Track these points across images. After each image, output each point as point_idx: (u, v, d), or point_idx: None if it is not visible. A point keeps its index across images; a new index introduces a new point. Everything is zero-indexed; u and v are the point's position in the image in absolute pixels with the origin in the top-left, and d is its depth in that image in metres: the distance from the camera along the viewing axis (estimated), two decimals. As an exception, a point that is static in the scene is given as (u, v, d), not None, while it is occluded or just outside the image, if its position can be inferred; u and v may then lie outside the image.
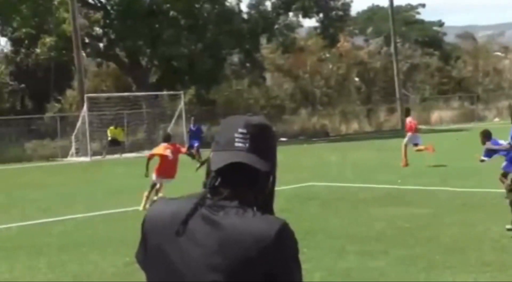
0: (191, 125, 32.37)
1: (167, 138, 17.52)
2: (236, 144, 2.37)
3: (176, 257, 2.38)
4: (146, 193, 16.44)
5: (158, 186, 16.66)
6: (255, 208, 2.38)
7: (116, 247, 11.91)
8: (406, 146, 24.58)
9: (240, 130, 2.38)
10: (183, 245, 2.36)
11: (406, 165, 23.94)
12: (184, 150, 18.70)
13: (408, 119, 25.89)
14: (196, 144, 30.32)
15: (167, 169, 16.62)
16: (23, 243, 12.94)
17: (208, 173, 2.44)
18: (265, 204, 2.42)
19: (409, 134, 25.40)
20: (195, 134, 31.47)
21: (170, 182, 16.75)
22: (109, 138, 37.33)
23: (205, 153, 21.19)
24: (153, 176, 16.61)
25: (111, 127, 37.58)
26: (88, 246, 12.32)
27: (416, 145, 25.33)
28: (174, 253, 2.38)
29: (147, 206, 15.30)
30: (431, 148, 24.99)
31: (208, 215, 2.35)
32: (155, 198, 15.46)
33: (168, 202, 2.49)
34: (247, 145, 2.37)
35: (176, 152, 16.94)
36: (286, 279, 2.33)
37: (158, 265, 2.43)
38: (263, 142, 2.41)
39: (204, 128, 35.05)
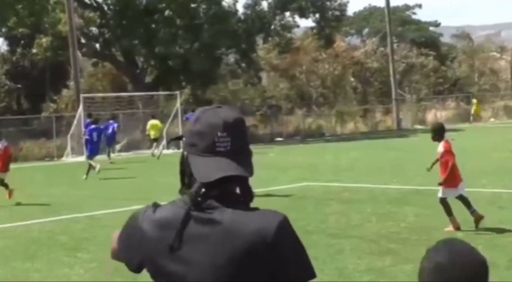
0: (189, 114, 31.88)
1: None
2: (218, 148, 2.39)
3: (175, 266, 2.39)
4: None
5: None
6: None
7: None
8: None
9: (219, 134, 2.40)
10: (182, 254, 2.37)
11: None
12: None
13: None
14: None
15: None
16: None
17: (183, 173, 2.48)
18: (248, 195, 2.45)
19: None
20: None
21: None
22: (152, 136, 35.36)
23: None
24: None
25: (153, 121, 35.72)
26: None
27: None
28: (172, 264, 2.39)
29: None
30: None
31: (203, 216, 2.36)
32: None
33: (156, 210, 2.50)
34: (228, 148, 2.40)
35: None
36: (295, 264, 2.37)
37: (162, 277, 2.44)
38: (241, 138, 2.46)
39: None
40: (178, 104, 39.81)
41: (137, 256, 2.51)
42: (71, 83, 44.35)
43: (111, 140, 33.50)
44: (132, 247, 2.52)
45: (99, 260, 10.92)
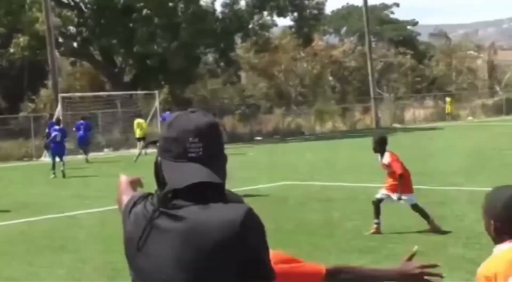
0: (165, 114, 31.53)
1: None
2: (190, 154, 2.41)
3: (143, 263, 2.46)
4: None
5: None
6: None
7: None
8: None
9: (191, 139, 2.42)
10: (149, 251, 2.43)
11: None
12: None
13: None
14: None
15: None
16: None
17: (158, 176, 2.50)
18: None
19: None
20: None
21: None
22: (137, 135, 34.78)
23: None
24: None
25: (138, 120, 35.48)
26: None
27: None
28: (141, 260, 2.46)
29: None
30: None
31: (169, 212, 2.40)
32: None
33: (135, 203, 2.60)
34: (200, 153, 2.42)
35: None
36: (257, 262, 2.37)
37: (135, 273, 2.53)
38: (214, 143, 2.48)
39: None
40: (156, 103, 39.74)
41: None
42: (49, 83, 44.11)
43: (84, 140, 33.42)
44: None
45: (82, 260, 10.90)
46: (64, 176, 25.26)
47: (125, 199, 2.71)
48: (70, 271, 10.55)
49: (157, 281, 2.41)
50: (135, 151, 34.74)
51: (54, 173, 25.64)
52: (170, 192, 2.40)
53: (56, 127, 27.64)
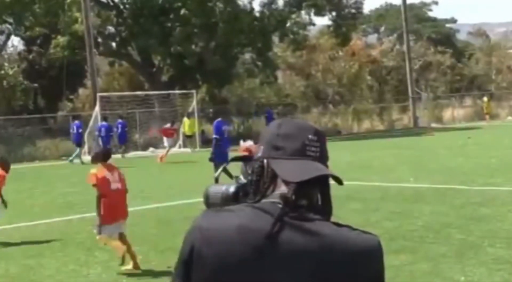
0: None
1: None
2: (308, 152, 2.24)
3: (260, 276, 2.12)
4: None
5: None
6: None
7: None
8: None
9: (310, 137, 2.25)
10: (270, 262, 2.12)
11: None
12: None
13: None
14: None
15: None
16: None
17: (258, 180, 2.24)
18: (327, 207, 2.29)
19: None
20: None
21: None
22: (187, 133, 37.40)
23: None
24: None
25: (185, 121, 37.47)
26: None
27: None
28: (255, 272, 2.12)
29: None
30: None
31: (298, 224, 2.14)
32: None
33: (222, 215, 2.20)
34: (318, 154, 2.26)
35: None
36: None
37: None
38: (326, 149, 2.33)
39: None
40: (194, 103, 39.86)
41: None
42: (88, 82, 44.50)
43: (122, 138, 35.69)
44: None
45: (116, 259, 10.96)
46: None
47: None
48: (106, 270, 10.61)
49: None
50: (173, 149, 35.39)
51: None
52: (295, 190, 2.16)
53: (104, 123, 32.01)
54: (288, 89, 55.48)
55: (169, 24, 44.73)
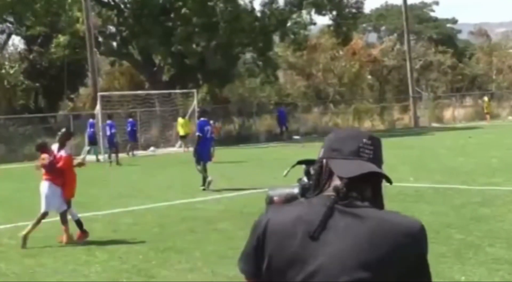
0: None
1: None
2: (361, 154, 2.50)
3: (313, 259, 2.38)
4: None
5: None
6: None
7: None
8: None
9: (365, 141, 2.53)
10: (320, 246, 2.38)
11: None
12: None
13: None
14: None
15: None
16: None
17: (318, 178, 2.55)
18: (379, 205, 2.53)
19: None
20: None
21: None
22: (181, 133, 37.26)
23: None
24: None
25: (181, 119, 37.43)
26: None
27: None
28: (310, 257, 2.39)
29: None
30: None
31: (348, 210, 2.42)
32: None
33: (283, 210, 2.55)
34: (371, 156, 2.52)
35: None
36: (422, 274, 2.44)
37: (291, 272, 2.41)
38: (380, 153, 2.60)
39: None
40: (195, 102, 39.83)
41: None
42: (89, 82, 44.50)
43: (132, 137, 35.72)
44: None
45: (116, 259, 10.96)
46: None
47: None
48: (106, 269, 10.60)
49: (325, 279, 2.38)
50: (173, 149, 35.35)
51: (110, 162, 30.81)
52: (346, 184, 2.43)
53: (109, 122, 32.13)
54: (289, 89, 55.50)
55: (170, 24, 44.71)
